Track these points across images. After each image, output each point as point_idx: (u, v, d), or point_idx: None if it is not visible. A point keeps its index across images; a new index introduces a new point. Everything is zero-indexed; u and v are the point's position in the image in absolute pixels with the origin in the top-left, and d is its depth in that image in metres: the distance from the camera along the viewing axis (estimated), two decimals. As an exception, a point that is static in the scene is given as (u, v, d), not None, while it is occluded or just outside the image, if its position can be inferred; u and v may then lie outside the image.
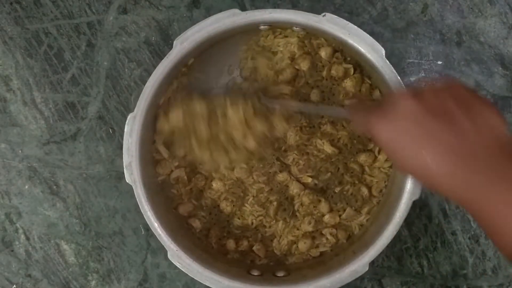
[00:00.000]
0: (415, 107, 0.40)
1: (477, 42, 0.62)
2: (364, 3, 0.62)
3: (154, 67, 0.53)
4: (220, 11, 0.54)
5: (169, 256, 0.53)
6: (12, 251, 0.64)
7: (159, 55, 0.62)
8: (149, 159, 0.58)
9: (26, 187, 0.63)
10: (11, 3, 0.63)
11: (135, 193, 0.54)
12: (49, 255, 0.63)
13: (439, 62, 0.62)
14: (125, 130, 0.53)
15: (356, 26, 0.53)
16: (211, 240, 0.59)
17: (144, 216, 0.54)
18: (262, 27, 0.57)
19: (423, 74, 0.62)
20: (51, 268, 0.63)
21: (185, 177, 0.58)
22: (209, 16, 0.54)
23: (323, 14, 0.53)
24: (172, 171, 0.58)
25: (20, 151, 0.63)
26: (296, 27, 0.56)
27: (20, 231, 0.64)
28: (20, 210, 0.63)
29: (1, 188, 0.63)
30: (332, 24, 0.53)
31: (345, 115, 0.54)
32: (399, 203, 0.53)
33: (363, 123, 0.44)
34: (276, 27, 0.57)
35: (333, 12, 0.52)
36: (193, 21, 0.62)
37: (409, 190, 0.53)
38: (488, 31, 0.62)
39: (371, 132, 0.43)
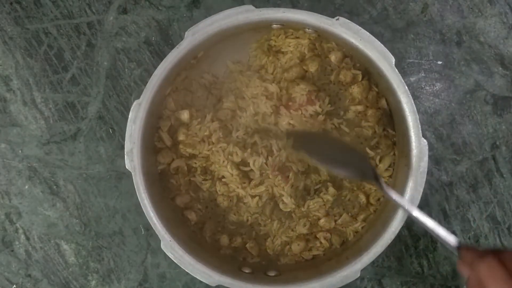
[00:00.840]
0: None
1: (477, 42, 0.62)
2: (364, 3, 0.62)
3: (154, 67, 0.53)
4: (221, 11, 0.54)
5: (162, 246, 0.53)
6: (12, 251, 0.64)
7: (159, 55, 0.62)
8: (151, 148, 0.58)
9: (26, 187, 0.63)
10: (11, 3, 0.63)
11: (133, 181, 0.53)
12: (49, 255, 0.63)
13: (439, 62, 0.62)
14: (129, 116, 0.53)
15: (368, 33, 0.52)
16: (206, 234, 0.59)
17: (141, 203, 0.54)
18: (274, 26, 0.57)
19: (423, 74, 0.62)
20: (51, 268, 0.63)
21: (185, 168, 0.58)
22: (209, 16, 0.54)
23: (337, 18, 0.53)
24: (173, 160, 0.58)
25: (20, 151, 0.63)
26: (308, 29, 0.56)
27: (20, 231, 0.63)
28: (20, 210, 0.63)
29: (1, 188, 0.63)
30: (345, 29, 0.52)
31: (454, 250, 0.47)
32: (396, 213, 0.53)
33: None
34: (288, 27, 0.57)
35: (333, 12, 0.52)
36: (193, 21, 0.62)
37: (407, 201, 0.53)
38: (488, 31, 0.62)
39: None
